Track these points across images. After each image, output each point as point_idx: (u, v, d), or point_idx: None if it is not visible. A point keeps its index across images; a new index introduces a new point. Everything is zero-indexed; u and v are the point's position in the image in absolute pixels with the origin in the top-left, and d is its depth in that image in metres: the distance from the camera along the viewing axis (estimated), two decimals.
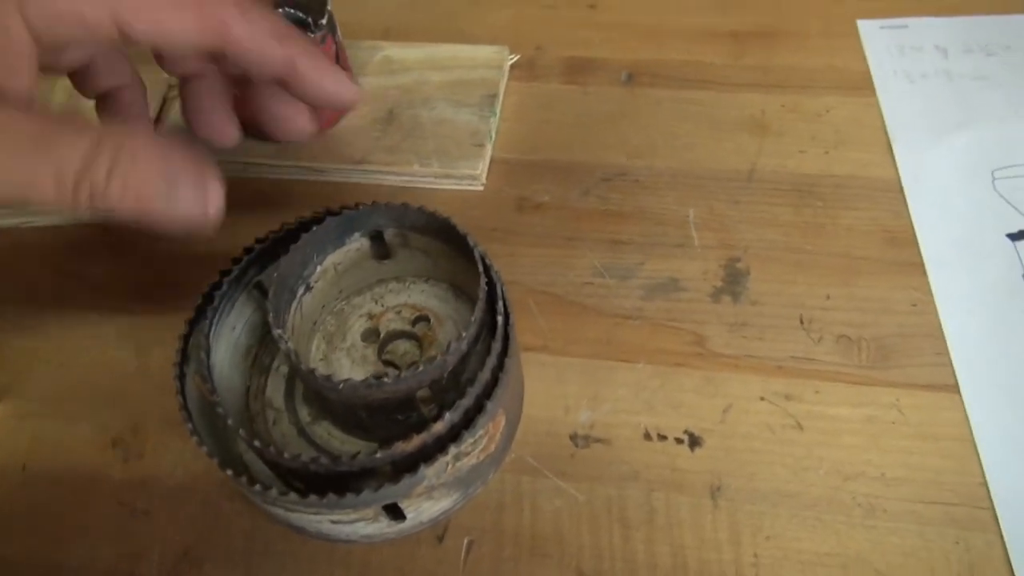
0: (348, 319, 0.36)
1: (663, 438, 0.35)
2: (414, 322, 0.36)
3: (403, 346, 0.36)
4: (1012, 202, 0.41)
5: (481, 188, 0.44)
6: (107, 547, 0.34)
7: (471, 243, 0.32)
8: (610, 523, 0.33)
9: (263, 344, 0.36)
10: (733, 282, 0.40)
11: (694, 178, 0.44)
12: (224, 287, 0.33)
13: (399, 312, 0.36)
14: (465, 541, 0.33)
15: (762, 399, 0.36)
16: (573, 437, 0.36)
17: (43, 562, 0.34)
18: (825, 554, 0.32)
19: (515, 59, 0.49)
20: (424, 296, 0.37)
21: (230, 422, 0.29)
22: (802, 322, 0.38)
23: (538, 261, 0.41)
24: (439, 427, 0.29)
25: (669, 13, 0.52)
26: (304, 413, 0.34)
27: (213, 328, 0.32)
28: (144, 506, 0.35)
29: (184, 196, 0.26)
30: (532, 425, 0.36)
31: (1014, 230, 0.40)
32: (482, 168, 0.44)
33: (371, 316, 0.36)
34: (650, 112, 0.47)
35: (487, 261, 0.32)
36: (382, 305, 0.36)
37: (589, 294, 0.40)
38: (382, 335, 0.35)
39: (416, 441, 0.28)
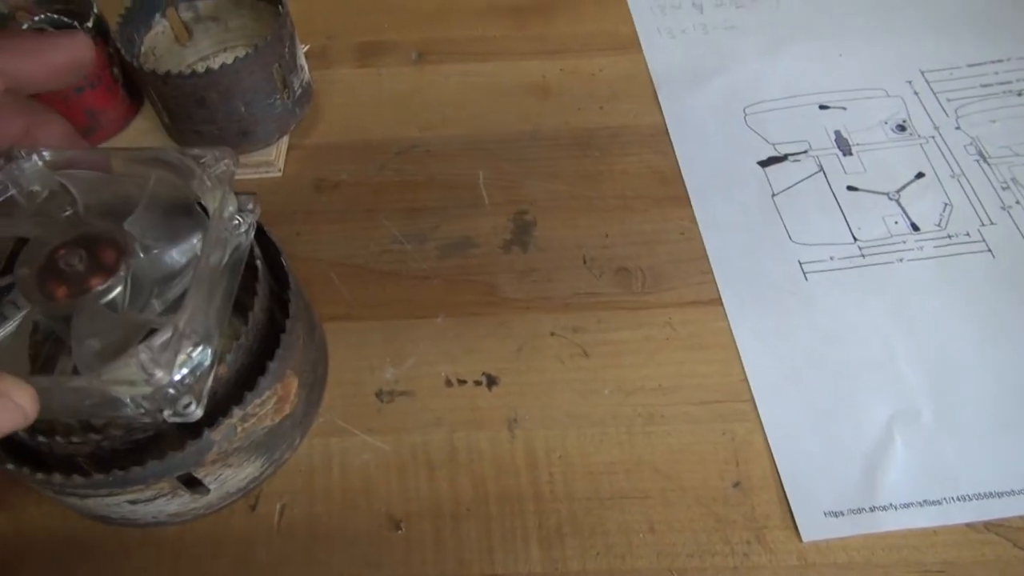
0: None
1: (463, 382, 0.38)
2: None
3: None
4: (761, 133, 0.45)
5: (279, 174, 0.45)
6: None
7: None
8: (416, 467, 0.35)
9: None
10: (522, 233, 0.43)
11: (483, 143, 0.46)
12: None
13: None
14: (278, 506, 0.35)
15: (552, 334, 0.39)
16: (379, 394, 0.37)
17: None
18: (611, 463, 0.35)
19: (306, 48, 0.50)
20: None
21: None
22: (585, 261, 0.41)
23: (338, 236, 0.43)
24: (224, 370, 0.30)
25: None
26: None
27: None
28: None
29: None
30: (339, 388, 0.38)
31: (764, 157, 0.44)
32: (276, 154, 0.45)
33: None
34: (439, 87, 0.49)
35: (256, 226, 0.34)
36: None
37: (388, 260, 0.42)
38: None
39: None
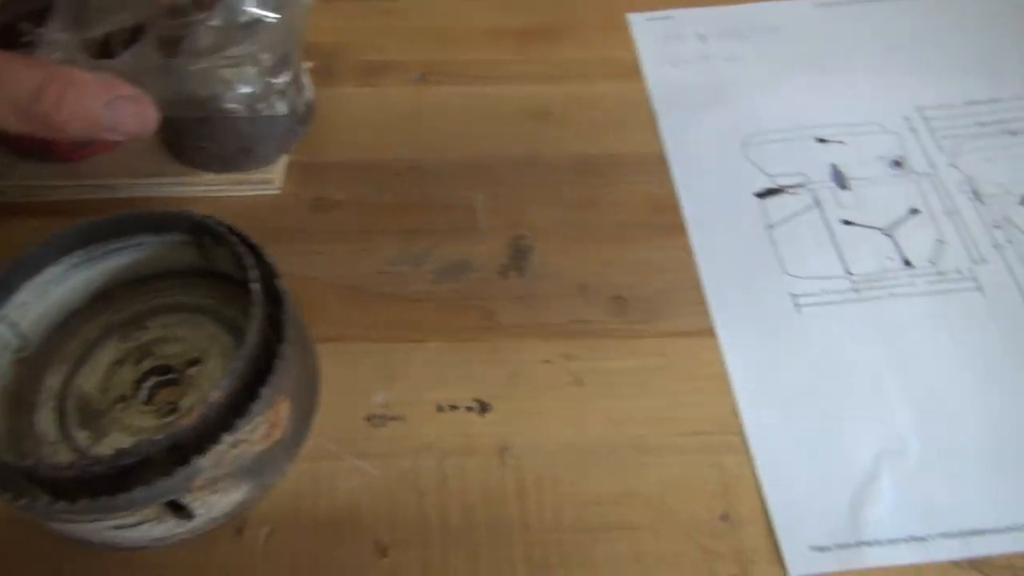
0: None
1: (454, 408, 0.38)
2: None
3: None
4: (759, 165, 0.45)
5: (277, 192, 0.45)
6: None
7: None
8: (404, 494, 0.35)
9: (21, 381, 0.35)
10: (519, 258, 0.43)
11: (482, 167, 0.46)
12: None
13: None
14: (264, 531, 0.34)
15: (546, 361, 0.39)
16: (370, 418, 0.37)
17: None
18: (600, 493, 0.35)
19: (310, 65, 0.51)
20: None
21: None
22: (581, 289, 0.41)
23: (334, 257, 0.43)
24: (217, 395, 0.29)
25: (459, 15, 0.55)
26: (83, 437, 0.34)
27: None
28: None
29: (122, 118, 0.31)
30: (331, 411, 0.37)
31: (761, 189, 0.44)
32: (277, 172, 0.45)
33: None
34: (441, 108, 0.50)
35: (253, 248, 0.34)
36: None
37: (384, 283, 0.42)
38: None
39: (196, 415, 0.29)
